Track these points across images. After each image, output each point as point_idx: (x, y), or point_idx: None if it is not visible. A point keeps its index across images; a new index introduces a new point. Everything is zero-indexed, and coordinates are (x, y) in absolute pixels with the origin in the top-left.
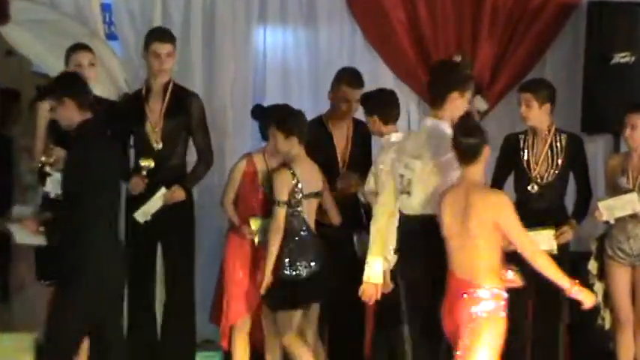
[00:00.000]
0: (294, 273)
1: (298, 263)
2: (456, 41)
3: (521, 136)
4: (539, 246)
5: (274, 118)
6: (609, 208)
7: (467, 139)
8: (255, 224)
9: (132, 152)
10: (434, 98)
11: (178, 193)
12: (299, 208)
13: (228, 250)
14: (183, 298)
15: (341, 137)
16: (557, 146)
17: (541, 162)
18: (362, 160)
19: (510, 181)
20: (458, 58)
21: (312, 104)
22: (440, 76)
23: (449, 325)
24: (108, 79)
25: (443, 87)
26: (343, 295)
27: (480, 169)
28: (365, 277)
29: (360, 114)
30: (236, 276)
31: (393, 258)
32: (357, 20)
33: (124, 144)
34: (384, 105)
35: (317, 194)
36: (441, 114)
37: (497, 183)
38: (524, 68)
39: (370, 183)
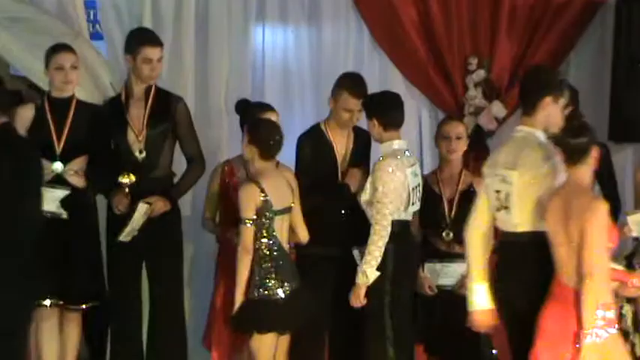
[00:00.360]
0: (266, 294)
1: (271, 284)
2: (471, 41)
3: None
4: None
5: (248, 116)
6: (639, 223)
7: (575, 139)
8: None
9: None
10: (525, 105)
11: (159, 205)
12: (269, 226)
13: (220, 271)
14: (172, 323)
15: (341, 147)
16: None
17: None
18: (364, 171)
19: None
20: (474, 60)
21: (314, 109)
22: (531, 80)
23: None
24: (92, 83)
25: (534, 92)
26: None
27: (588, 171)
28: (470, 307)
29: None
30: (227, 298)
31: (373, 274)
32: (363, 18)
33: (107, 154)
34: (385, 108)
35: (288, 210)
36: (532, 121)
37: None
38: None
39: (367, 194)
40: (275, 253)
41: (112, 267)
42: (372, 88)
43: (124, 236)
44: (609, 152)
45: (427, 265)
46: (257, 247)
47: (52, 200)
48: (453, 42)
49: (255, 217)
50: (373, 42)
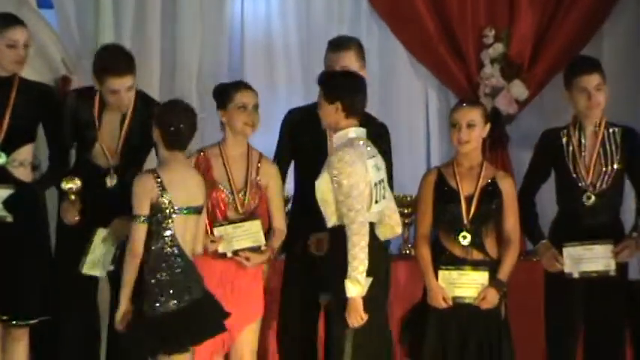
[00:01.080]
0: (162, 308)
1: (167, 296)
2: (487, 10)
3: (564, 132)
4: (593, 265)
5: (222, 99)
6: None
7: None
8: (218, 231)
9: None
10: None
11: (119, 227)
12: (167, 226)
13: None
14: None
15: None
16: (610, 144)
17: (593, 165)
18: None
19: (545, 191)
20: (490, 32)
21: (302, 89)
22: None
23: None
24: (40, 59)
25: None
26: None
27: None
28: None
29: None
30: None
31: (366, 281)
32: None
33: (62, 143)
34: (352, 90)
35: (196, 210)
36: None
37: (528, 190)
38: (574, 45)
39: (321, 191)
40: (173, 259)
41: (63, 275)
42: (371, 65)
43: (88, 268)
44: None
45: (441, 273)
46: (151, 249)
47: None
48: (466, 11)
49: (149, 214)
50: (371, 10)
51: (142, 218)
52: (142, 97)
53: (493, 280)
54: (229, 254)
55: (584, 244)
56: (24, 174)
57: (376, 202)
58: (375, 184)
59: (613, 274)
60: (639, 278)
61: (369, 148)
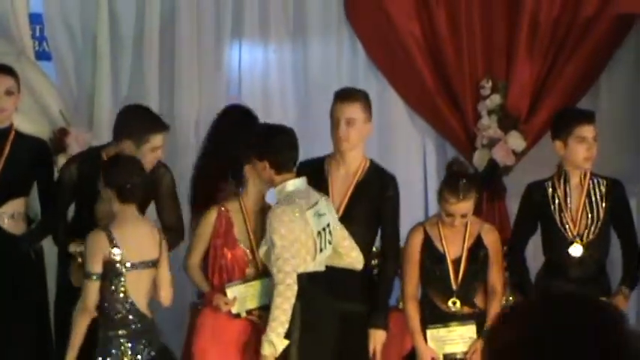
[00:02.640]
0: None
1: (120, 352)
2: (485, 61)
3: (548, 184)
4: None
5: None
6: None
7: None
8: (232, 292)
9: None
10: None
11: None
12: (120, 282)
13: (198, 329)
14: None
15: (341, 184)
16: (595, 195)
17: (579, 216)
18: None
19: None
20: (487, 84)
21: (300, 141)
22: None
23: None
24: (38, 111)
25: None
26: None
27: None
28: None
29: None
30: None
31: (281, 343)
32: (357, 34)
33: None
34: (278, 147)
35: (150, 264)
36: None
37: (517, 246)
38: (572, 96)
39: (264, 246)
40: (126, 315)
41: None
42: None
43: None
44: (624, 190)
45: (430, 332)
46: (104, 305)
47: None
48: (463, 62)
49: (101, 270)
50: (369, 62)
51: (95, 276)
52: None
53: (482, 333)
54: (243, 314)
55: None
56: (15, 227)
57: (321, 250)
58: (319, 233)
59: None
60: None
61: (310, 196)
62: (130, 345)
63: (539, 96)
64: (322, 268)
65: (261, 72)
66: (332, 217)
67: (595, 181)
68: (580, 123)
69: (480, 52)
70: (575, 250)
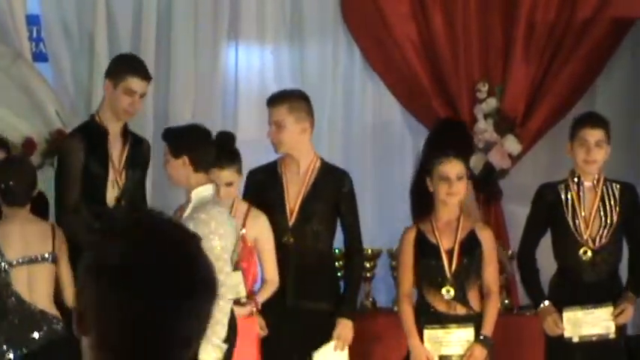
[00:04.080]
0: None
1: (3, 347)
2: (481, 64)
3: (561, 187)
4: (593, 329)
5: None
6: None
7: None
8: None
9: None
10: None
11: None
12: (3, 278)
13: None
14: None
15: (295, 183)
16: (609, 199)
17: (592, 220)
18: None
19: (543, 245)
20: (484, 87)
21: None
22: None
23: None
24: (35, 112)
25: None
26: None
27: None
28: None
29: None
30: None
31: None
32: (354, 37)
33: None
34: (198, 144)
35: (40, 259)
36: None
37: (528, 248)
38: (568, 100)
39: None
40: (10, 310)
41: None
42: (365, 118)
43: None
44: (638, 194)
45: (427, 332)
46: None
47: None
48: (460, 65)
49: None
50: (365, 64)
51: None
52: None
53: (479, 337)
54: None
55: (585, 307)
56: None
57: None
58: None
59: (612, 336)
60: (637, 333)
61: (221, 205)
62: (11, 340)
63: (536, 99)
64: (240, 279)
65: (258, 73)
66: (235, 232)
67: (609, 185)
68: (583, 126)
69: (477, 55)
70: (586, 254)
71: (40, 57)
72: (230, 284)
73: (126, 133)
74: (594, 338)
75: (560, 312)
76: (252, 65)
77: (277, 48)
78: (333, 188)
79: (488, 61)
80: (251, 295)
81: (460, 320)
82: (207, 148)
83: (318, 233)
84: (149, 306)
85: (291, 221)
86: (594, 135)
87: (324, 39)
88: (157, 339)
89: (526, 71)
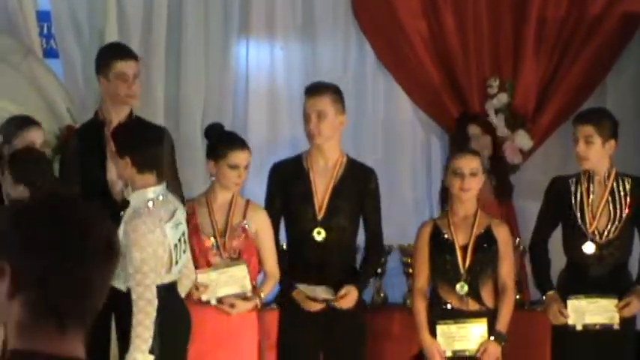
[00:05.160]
0: None
1: None
2: (492, 60)
3: (572, 181)
4: (596, 317)
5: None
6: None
7: None
8: (202, 278)
9: None
10: None
11: None
12: None
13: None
14: None
15: (322, 177)
16: (619, 193)
17: (600, 214)
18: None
19: (556, 238)
20: (495, 82)
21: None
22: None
23: None
24: (45, 109)
25: None
26: None
27: None
28: None
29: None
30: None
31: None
32: (365, 32)
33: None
34: (141, 142)
35: None
36: None
37: (540, 237)
38: (579, 95)
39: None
40: None
41: None
42: (377, 114)
43: None
44: None
45: (440, 328)
46: None
47: None
48: (470, 61)
49: None
50: (377, 60)
51: None
52: None
53: (493, 333)
54: (213, 302)
55: (589, 296)
56: None
57: (176, 262)
58: (175, 245)
59: (617, 327)
60: None
61: (168, 205)
62: None
63: (547, 95)
64: (175, 278)
65: (268, 69)
66: (185, 228)
67: (620, 179)
68: (575, 123)
69: (487, 51)
70: (593, 248)
71: (50, 53)
72: (151, 297)
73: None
74: (598, 327)
75: (565, 302)
76: (263, 62)
77: (287, 43)
78: (359, 184)
79: (499, 56)
80: (255, 288)
81: (473, 316)
82: (152, 148)
83: (344, 228)
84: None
85: (320, 215)
86: (582, 131)
87: (335, 35)
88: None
89: (537, 67)
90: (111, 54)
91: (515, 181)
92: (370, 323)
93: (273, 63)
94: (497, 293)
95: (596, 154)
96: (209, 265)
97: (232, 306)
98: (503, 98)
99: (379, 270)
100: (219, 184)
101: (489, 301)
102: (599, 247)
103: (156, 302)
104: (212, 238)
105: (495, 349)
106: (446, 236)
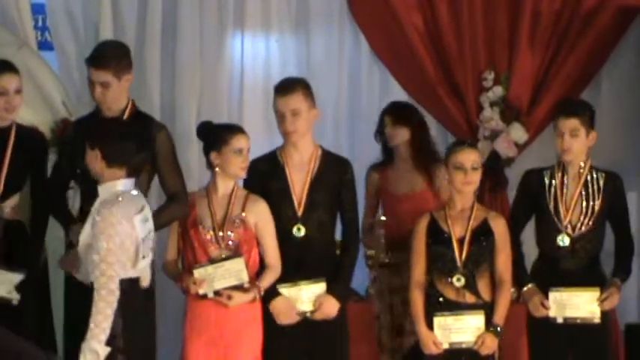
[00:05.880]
0: None
1: None
2: (487, 53)
3: (546, 173)
4: (578, 311)
5: (212, 140)
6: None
7: None
8: (199, 273)
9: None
10: None
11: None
12: None
13: (187, 324)
14: None
15: (298, 172)
16: (593, 187)
17: (574, 207)
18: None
19: (528, 230)
20: (490, 75)
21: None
22: None
23: None
24: (41, 101)
25: None
26: None
27: None
28: None
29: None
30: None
31: (104, 351)
32: (360, 25)
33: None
34: (111, 136)
35: None
36: None
37: (514, 229)
38: (574, 88)
39: (85, 236)
40: None
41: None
42: (371, 106)
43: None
44: (622, 184)
45: (437, 320)
46: None
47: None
48: (466, 53)
49: None
50: (371, 53)
51: None
52: None
53: (490, 325)
54: (210, 295)
55: (571, 289)
56: (14, 216)
57: (143, 257)
58: (143, 240)
59: (597, 321)
60: (636, 322)
61: (137, 200)
62: None
63: (541, 88)
64: (140, 274)
65: (263, 63)
66: (152, 226)
67: (594, 173)
68: (559, 115)
69: (482, 44)
70: (566, 241)
71: (45, 46)
72: (113, 288)
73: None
74: (578, 321)
75: (546, 294)
76: (258, 55)
77: (282, 37)
78: (335, 176)
79: (494, 49)
80: (253, 280)
81: (470, 309)
82: (123, 144)
83: (323, 223)
84: None
85: (300, 211)
86: (568, 124)
87: (330, 28)
88: None
89: (532, 60)
90: (88, 58)
91: (510, 174)
92: (363, 313)
93: (268, 56)
94: (494, 286)
95: (580, 146)
96: (208, 257)
97: (229, 298)
98: (498, 91)
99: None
100: (222, 174)
101: (486, 294)
102: (572, 240)
103: (118, 293)
104: (211, 231)
105: (492, 342)
106: (443, 229)
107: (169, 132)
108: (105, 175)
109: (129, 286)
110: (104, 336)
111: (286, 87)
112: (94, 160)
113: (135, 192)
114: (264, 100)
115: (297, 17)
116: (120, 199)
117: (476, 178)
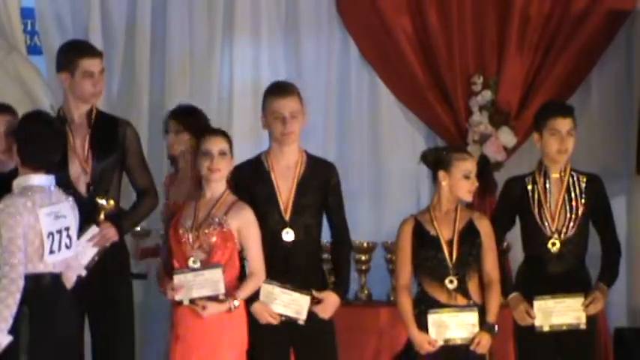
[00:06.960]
0: None
1: None
2: (476, 57)
3: (528, 179)
4: (563, 318)
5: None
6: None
7: None
8: (178, 279)
9: None
10: None
11: (109, 233)
12: None
13: (170, 326)
14: None
15: (284, 177)
16: (575, 191)
17: (559, 211)
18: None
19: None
20: (479, 79)
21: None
22: None
23: None
24: (28, 104)
25: None
26: None
27: None
28: None
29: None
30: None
31: (5, 339)
32: (349, 30)
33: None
34: (29, 140)
35: None
36: None
37: (500, 235)
38: (563, 92)
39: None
40: None
41: None
42: (361, 110)
43: None
44: (604, 185)
45: (431, 317)
46: None
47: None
48: (455, 58)
49: None
50: (361, 58)
51: None
52: None
53: (484, 325)
54: (186, 302)
55: (555, 297)
56: None
57: (51, 252)
58: (51, 234)
59: (583, 327)
60: (625, 326)
61: (52, 195)
62: None
63: (530, 92)
64: (55, 270)
65: (253, 67)
66: (73, 223)
67: (575, 176)
68: (554, 116)
69: (471, 48)
70: (553, 246)
71: (34, 50)
72: (13, 277)
73: (91, 119)
74: (564, 328)
75: (529, 302)
76: (247, 60)
77: (272, 42)
78: (322, 180)
79: (483, 53)
80: (231, 290)
81: (461, 310)
82: (39, 148)
83: (309, 227)
84: None
85: (287, 215)
86: (566, 124)
87: (319, 33)
88: None
89: (521, 64)
90: (75, 53)
91: (499, 178)
92: (354, 319)
93: (257, 61)
94: (482, 288)
95: (573, 146)
96: (185, 258)
97: (204, 308)
98: (487, 95)
99: (364, 267)
100: (209, 180)
101: (476, 296)
102: (558, 244)
103: (21, 283)
104: (188, 232)
105: (487, 341)
106: (430, 232)
107: (133, 128)
108: (20, 170)
109: (35, 282)
110: (5, 325)
111: (285, 89)
112: (15, 154)
113: (53, 188)
114: (253, 105)
115: (286, 22)
116: (29, 193)
117: (475, 186)
